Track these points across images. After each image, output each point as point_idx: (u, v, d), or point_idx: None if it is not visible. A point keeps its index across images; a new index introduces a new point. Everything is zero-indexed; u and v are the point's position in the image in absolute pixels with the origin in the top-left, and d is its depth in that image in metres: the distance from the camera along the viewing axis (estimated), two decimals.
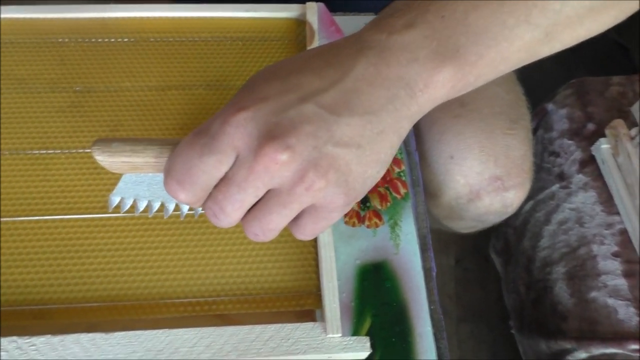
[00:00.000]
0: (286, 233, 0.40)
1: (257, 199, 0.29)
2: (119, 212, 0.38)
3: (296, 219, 0.30)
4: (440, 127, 0.50)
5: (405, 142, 0.48)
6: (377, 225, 0.43)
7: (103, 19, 0.47)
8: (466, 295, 1.04)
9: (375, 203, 0.44)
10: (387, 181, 0.45)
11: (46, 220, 0.38)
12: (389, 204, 0.44)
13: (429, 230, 0.45)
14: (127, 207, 0.34)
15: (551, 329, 0.73)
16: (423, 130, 0.52)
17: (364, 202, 0.44)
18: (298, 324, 0.35)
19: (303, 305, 0.38)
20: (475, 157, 0.48)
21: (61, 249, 0.38)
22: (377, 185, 0.45)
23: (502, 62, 0.30)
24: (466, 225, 0.56)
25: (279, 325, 0.35)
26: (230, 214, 0.29)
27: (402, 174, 0.45)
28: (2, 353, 0.33)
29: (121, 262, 0.38)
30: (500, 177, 0.49)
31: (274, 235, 0.30)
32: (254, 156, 0.27)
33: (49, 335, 0.33)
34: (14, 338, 0.33)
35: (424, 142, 0.51)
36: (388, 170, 0.45)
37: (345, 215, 0.43)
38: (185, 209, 0.35)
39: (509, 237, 0.89)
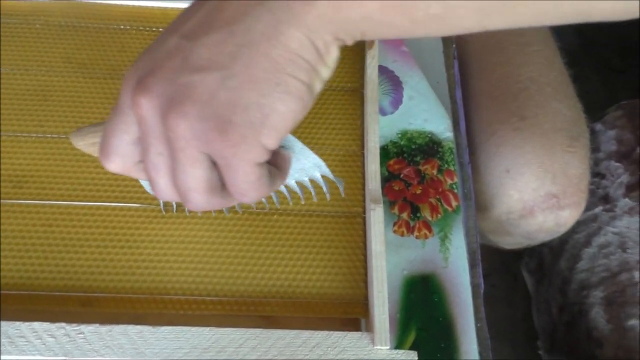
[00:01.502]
0: (336, 239, 0.39)
1: (164, 158, 0.26)
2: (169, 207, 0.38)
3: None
4: (498, 139, 0.49)
5: (458, 154, 0.47)
6: (426, 237, 0.42)
7: (165, 8, 0.47)
8: (492, 313, 1.02)
9: (426, 214, 0.43)
10: (439, 192, 0.44)
11: (98, 207, 0.38)
12: (439, 215, 0.43)
13: (479, 246, 0.44)
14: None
15: (584, 354, 0.71)
16: (478, 141, 0.51)
17: (415, 212, 0.43)
18: (345, 333, 0.34)
19: (349, 313, 0.37)
20: (532, 173, 0.47)
21: (112, 237, 0.37)
22: (428, 196, 0.44)
23: None
24: (513, 242, 0.55)
25: (326, 332, 0.34)
26: (156, 180, 0.27)
27: (454, 186, 0.44)
28: (49, 339, 0.32)
29: (170, 254, 0.37)
30: (556, 195, 0.47)
31: (198, 199, 0.27)
32: (130, 108, 0.26)
33: (97, 325, 0.33)
34: (63, 324, 0.33)
35: (478, 153, 0.50)
36: (440, 181, 0.44)
37: (394, 224, 0.42)
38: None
39: (544, 256, 0.88)
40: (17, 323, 0.33)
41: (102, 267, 0.37)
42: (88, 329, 0.33)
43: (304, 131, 0.43)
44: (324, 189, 0.35)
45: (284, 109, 0.24)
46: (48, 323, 0.33)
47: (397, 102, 0.48)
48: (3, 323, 0.32)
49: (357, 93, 0.46)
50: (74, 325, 0.33)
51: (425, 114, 0.48)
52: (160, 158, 0.26)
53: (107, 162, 0.28)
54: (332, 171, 0.42)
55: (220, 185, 0.27)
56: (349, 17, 0.24)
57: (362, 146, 0.43)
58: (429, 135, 0.47)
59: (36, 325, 0.33)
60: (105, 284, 0.36)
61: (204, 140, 0.25)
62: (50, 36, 0.45)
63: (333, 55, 0.25)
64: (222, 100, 0.24)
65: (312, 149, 0.43)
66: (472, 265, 0.42)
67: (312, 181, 0.35)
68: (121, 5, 0.46)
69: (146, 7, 0.47)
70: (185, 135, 0.24)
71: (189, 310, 0.36)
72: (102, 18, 0.46)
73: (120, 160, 0.28)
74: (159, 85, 0.24)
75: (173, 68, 0.24)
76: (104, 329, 0.33)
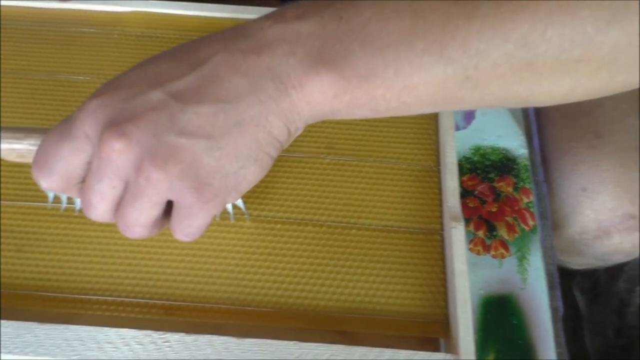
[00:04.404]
0: (415, 256, 0.39)
1: (117, 191, 0.28)
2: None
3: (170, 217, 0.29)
4: (573, 157, 0.48)
5: (534, 172, 0.46)
6: (503, 256, 0.41)
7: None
8: None
9: (502, 232, 0.42)
10: (515, 211, 0.43)
11: None
12: (516, 235, 0.42)
13: (557, 267, 0.43)
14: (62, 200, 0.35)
15: None
16: (552, 159, 0.50)
17: (491, 230, 0.42)
18: (430, 353, 0.34)
19: (428, 332, 0.37)
20: (609, 192, 0.46)
21: (192, 245, 0.38)
22: (504, 214, 0.43)
23: (405, 90, 0.26)
24: (584, 262, 0.54)
25: (410, 351, 0.34)
26: (95, 205, 0.28)
27: (530, 204, 0.43)
28: (137, 346, 0.33)
29: (250, 265, 0.37)
30: (635, 216, 0.46)
31: (140, 232, 0.28)
32: (98, 144, 0.26)
33: (182, 334, 0.33)
34: (150, 332, 0.33)
35: (552, 171, 0.49)
36: (516, 200, 0.44)
37: (470, 242, 0.42)
38: None
39: (598, 276, 0.85)
40: (106, 329, 0.33)
41: (183, 276, 0.37)
42: (174, 337, 0.33)
43: (379, 146, 0.43)
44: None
45: (253, 178, 0.28)
46: (136, 330, 0.33)
47: (469, 117, 0.48)
48: (92, 328, 0.33)
49: None
50: (160, 332, 0.33)
51: (499, 129, 0.47)
52: (112, 191, 0.27)
53: (43, 180, 0.28)
54: (409, 186, 0.42)
55: (162, 219, 0.29)
56: (320, 112, 0.28)
57: (437, 161, 0.43)
58: (503, 152, 0.46)
59: (124, 331, 0.33)
60: (187, 292, 0.36)
61: (177, 193, 0.27)
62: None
63: (299, 133, 0.29)
64: (205, 166, 0.26)
65: (387, 163, 0.42)
66: (550, 287, 0.41)
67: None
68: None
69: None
70: (160, 187, 0.26)
71: (269, 322, 0.36)
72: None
73: (61, 181, 0.28)
74: (141, 136, 0.26)
75: (158, 124, 0.26)
76: (190, 338, 0.33)
